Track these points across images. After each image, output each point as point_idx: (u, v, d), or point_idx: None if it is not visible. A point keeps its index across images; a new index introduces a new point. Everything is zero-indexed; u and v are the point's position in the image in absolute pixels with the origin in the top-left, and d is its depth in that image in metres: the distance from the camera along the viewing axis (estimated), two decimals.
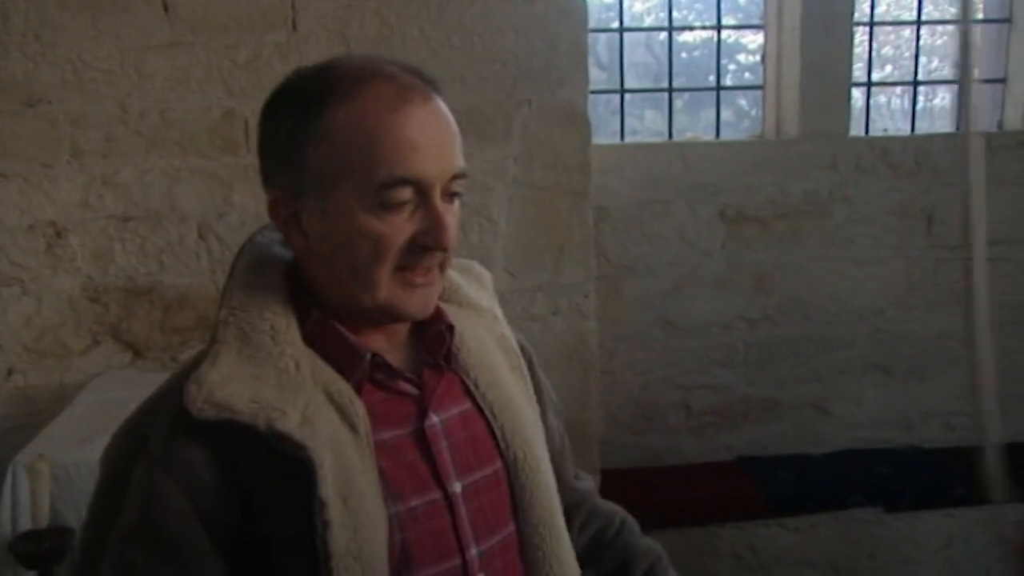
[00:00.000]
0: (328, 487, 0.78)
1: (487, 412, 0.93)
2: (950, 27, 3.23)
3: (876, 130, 3.06)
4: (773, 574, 2.73)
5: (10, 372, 2.38)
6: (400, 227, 0.83)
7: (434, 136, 0.83)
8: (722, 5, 3.00)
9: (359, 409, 0.83)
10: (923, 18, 3.06)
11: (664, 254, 2.83)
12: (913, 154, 2.88)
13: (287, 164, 0.85)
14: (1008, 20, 3.03)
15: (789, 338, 2.92)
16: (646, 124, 3.31)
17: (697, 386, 2.93)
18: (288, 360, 0.83)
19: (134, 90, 2.31)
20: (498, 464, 0.92)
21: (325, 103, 0.82)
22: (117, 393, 2.20)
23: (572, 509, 1.07)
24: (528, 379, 1.01)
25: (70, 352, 2.39)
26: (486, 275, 1.06)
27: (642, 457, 2.92)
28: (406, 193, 0.82)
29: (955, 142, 2.94)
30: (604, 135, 2.85)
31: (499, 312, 1.04)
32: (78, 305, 2.38)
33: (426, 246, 0.84)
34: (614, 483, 2.65)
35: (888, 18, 3.22)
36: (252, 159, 2.63)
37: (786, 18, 2.88)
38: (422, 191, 0.83)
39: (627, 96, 2.98)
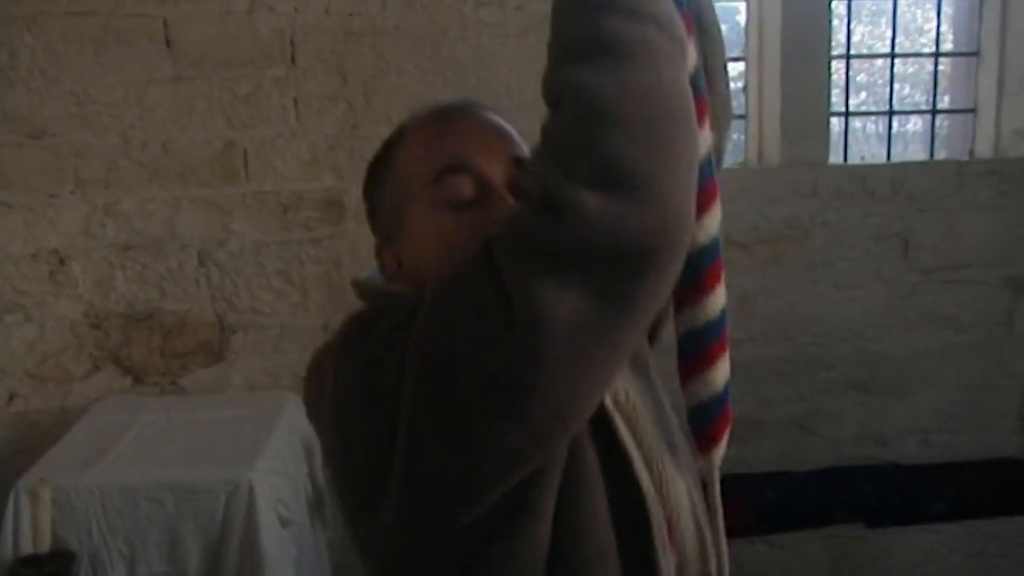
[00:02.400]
0: None
1: None
2: (921, 58, 3.27)
3: (853, 155, 3.08)
4: None
5: (12, 397, 2.36)
6: (477, 227, 0.78)
7: (477, 129, 0.85)
8: None
9: None
10: (896, 50, 3.09)
11: None
12: (889, 181, 2.91)
13: (376, 216, 0.91)
14: (976, 53, 3.07)
15: (772, 359, 2.92)
16: None
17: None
18: None
19: (136, 122, 2.31)
20: None
21: (389, 155, 0.89)
22: (117, 417, 2.19)
23: None
24: None
25: (71, 377, 2.37)
26: None
27: None
28: (466, 184, 0.81)
29: (928, 170, 2.98)
30: None
31: None
32: (79, 331, 2.37)
33: None
34: None
35: (863, 48, 3.25)
36: (251, 188, 2.63)
37: (766, 50, 2.91)
38: (483, 184, 0.81)
39: None
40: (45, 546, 1.70)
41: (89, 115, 2.29)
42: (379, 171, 0.90)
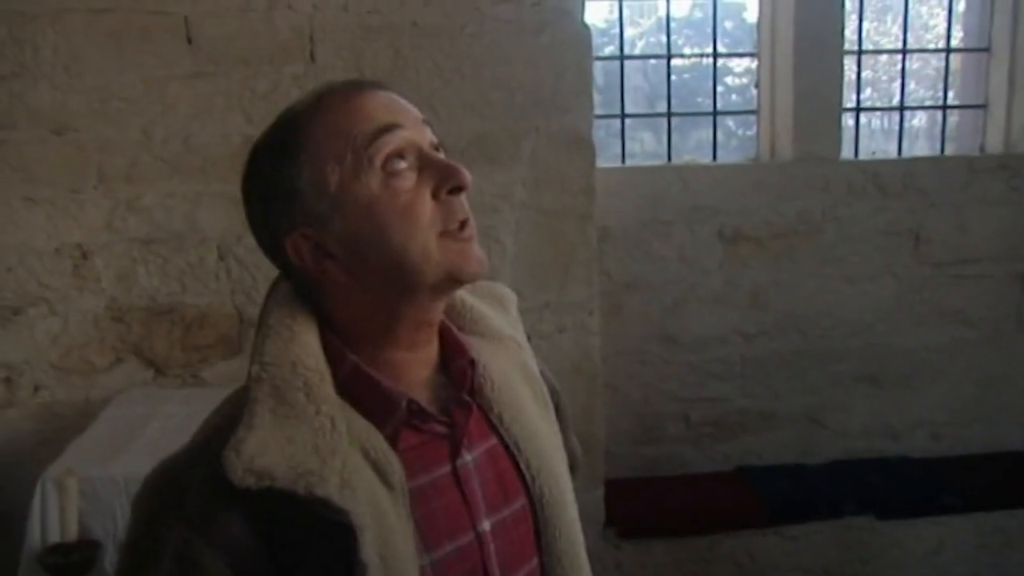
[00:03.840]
0: (368, 549, 0.75)
1: (512, 448, 0.89)
2: (927, 54, 3.24)
3: (862, 150, 3.06)
4: None
5: (37, 388, 2.36)
6: (415, 188, 0.80)
7: (395, 102, 0.83)
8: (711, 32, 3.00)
9: (395, 465, 0.80)
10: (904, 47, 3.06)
11: (664, 272, 2.82)
12: (900, 176, 2.89)
13: (288, 203, 0.81)
14: (987, 49, 3.04)
15: (784, 352, 2.91)
16: (645, 147, 3.30)
17: (696, 398, 2.91)
18: (323, 419, 0.78)
19: (158, 118, 2.30)
20: (523, 499, 0.88)
21: (296, 133, 0.81)
22: (140, 409, 2.19)
23: None
24: (550, 405, 0.97)
25: (95, 369, 2.37)
26: (510, 296, 1.01)
27: (644, 467, 2.90)
28: (393, 142, 0.79)
29: (939, 165, 2.95)
30: (605, 158, 2.85)
31: (522, 338, 0.99)
32: (102, 324, 2.36)
33: (451, 190, 0.80)
34: (617, 493, 2.63)
35: (868, 45, 3.22)
36: None
37: (779, 46, 2.88)
38: (411, 147, 0.81)
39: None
40: (72, 535, 1.70)
41: (111, 111, 2.28)
42: (281, 154, 0.81)
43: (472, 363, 0.88)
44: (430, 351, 0.87)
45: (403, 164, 0.80)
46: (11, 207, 2.28)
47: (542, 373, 1.00)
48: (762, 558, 2.69)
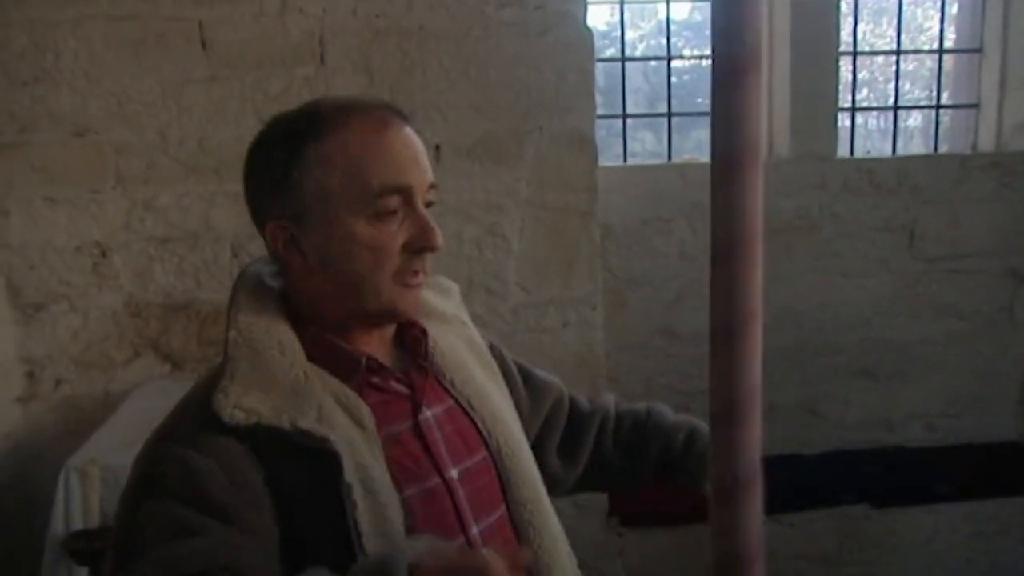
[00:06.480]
0: (352, 472, 0.81)
1: (466, 406, 0.97)
2: (923, 55, 3.25)
3: (858, 148, 3.07)
4: (769, 567, 2.71)
5: (58, 382, 2.38)
6: (394, 235, 0.88)
7: (412, 152, 0.90)
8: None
9: (364, 408, 0.87)
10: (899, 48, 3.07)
11: (665, 268, 2.84)
12: (895, 174, 2.89)
13: (284, 194, 0.88)
14: (979, 50, 3.04)
15: (782, 346, 2.92)
16: (646, 146, 3.32)
17: (697, 391, 2.92)
18: (297, 371, 0.86)
19: (174, 121, 2.32)
20: (484, 452, 0.96)
21: (315, 136, 0.87)
22: (157, 402, 2.18)
23: (602, 420, 1.19)
24: (498, 373, 1.07)
25: (114, 364, 2.39)
26: (453, 287, 1.12)
27: None
28: (395, 201, 0.87)
29: (932, 163, 2.96)
30: (607, 157, 2.86)
31: (466, 317, 1.09)
32: (121, 320, 2.39)
33: (421, 248, 0.89)
34: None
35: (864, 46, 3.23)
36: None
37: (776, 48, 2.89)
38: (408, 200, 0.89)
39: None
40: (95, 522, 1.73)
41: (129, 114, 2.30)
42: (299, 146, 0.87)
43: (424, 332, 0.97)
44: (386, 330, 0.96)
45: (395, 214, 0.88)
46: (33, 207, 2.31)
47: (492, 346, 1.10)
48: None
